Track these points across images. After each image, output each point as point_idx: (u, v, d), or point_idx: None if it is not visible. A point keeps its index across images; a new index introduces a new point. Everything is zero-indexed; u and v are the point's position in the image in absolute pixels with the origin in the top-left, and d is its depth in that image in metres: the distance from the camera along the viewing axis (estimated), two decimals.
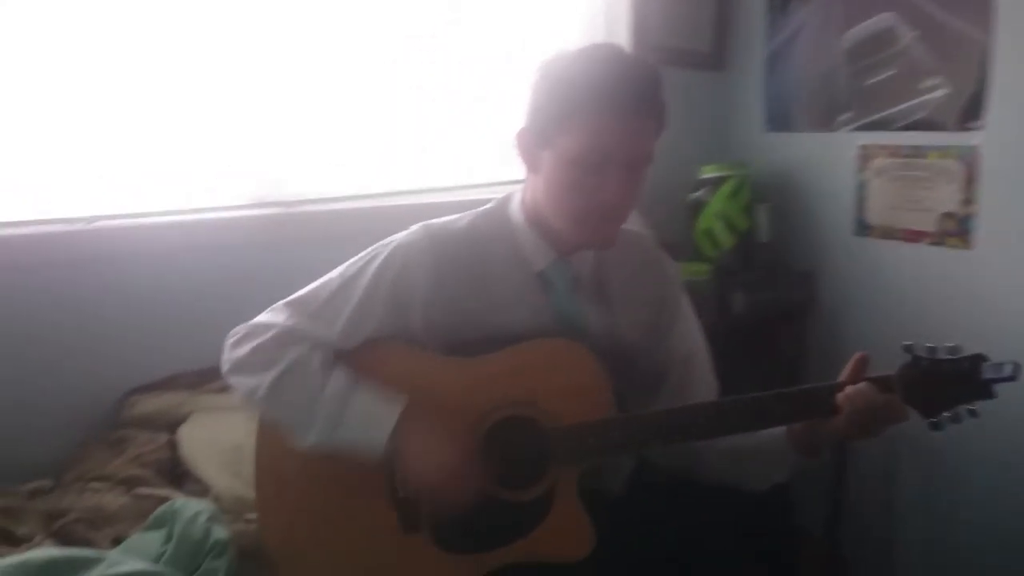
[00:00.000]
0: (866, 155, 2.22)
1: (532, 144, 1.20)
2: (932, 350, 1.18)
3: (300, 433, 1.17)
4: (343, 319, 1.21)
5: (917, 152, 2.11)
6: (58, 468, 1.51)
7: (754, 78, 2.50)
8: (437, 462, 1.14)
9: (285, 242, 1.78)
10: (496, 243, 1.26)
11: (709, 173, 2.32)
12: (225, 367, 1.23)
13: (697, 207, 2.32)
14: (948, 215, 2.06)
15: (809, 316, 2.40)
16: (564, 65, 1.15)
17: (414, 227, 1.27)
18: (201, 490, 1.44)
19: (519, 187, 1.30)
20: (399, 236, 1.27)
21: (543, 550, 1.19)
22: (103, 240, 1.64)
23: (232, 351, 1.22)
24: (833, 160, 2.31)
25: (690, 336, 1.37)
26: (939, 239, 2.09)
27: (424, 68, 1.99)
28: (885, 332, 2.20)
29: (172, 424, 1.59)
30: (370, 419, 1.15)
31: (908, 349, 1.19)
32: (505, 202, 1.31)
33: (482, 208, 1.31)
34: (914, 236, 2.14)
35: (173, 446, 1.54)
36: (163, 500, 1.35)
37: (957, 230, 2.05)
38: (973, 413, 1.17)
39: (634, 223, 2.05)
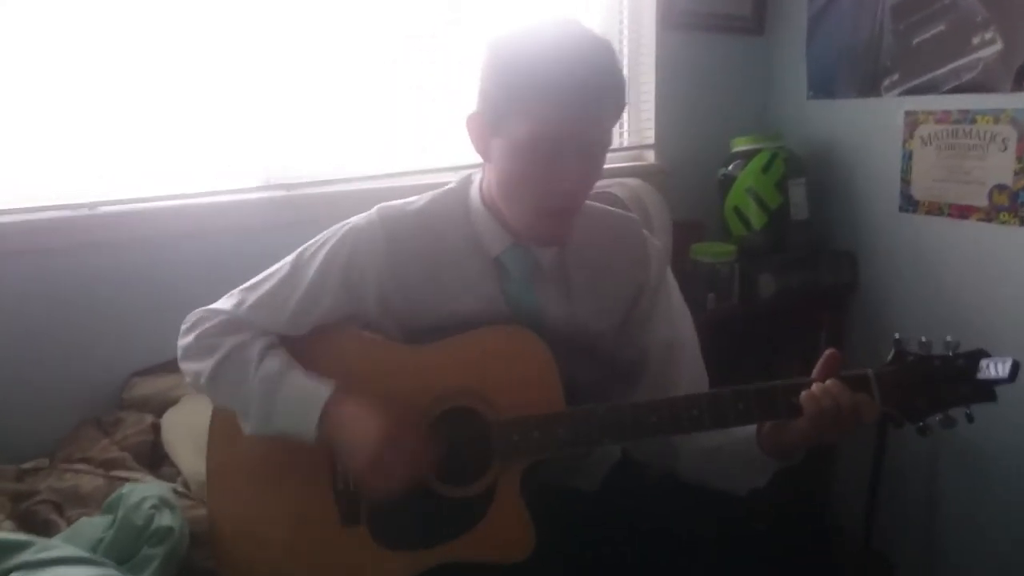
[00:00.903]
0: (912, 122, 2.04)
1: (482, 130, 1.12)
2: (926, 345, 1.06)
3: (241, 420, 1.16)
4: (291, 305, 1.19)
5: (966, 117, 1.91)
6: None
7: (795, 42, 2.34)
8: (367, 444, 1.09)
9: (290, 224, 1.76)
10: (452, 226, 1.20)
11: (740, 146, 2.18)
12: (178, 353, 1.23)
13: (727, 183, 2.18)
14: (1000, 188, 1.87)
15: (850, 300, 2.24)
16: (511, 45, 1.07)
17: (371, 210, 1.23)
18: (175, 474, 1.46)
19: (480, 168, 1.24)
20: (353, 219, 1.23)
21: (482, 550, 1.14)
22: (107, 225, 1.67)
23: (183, 337, 1.22)
24: (877, 129, 2.13)
25: (674, 323, 1.27)
26: (990, 215, 1.90)
27: (426, 54, 1.95)
28: (932, 316, 2.04)
29: (163, 407, 1.61)
30: (298, 405, 1.12)
31: (897, 343, 1.07)
32: (465, 183, 1.24)
33: (441, 189, 1.25)
34: (963, 212, 1.96)
35: (157, 429, 1.56)
36: (134, 483, 1.37)
37: (1009, 205, 1.86)
38: (969, 417, 1.04)
39: (650, 202, 1.98)
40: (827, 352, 1.08)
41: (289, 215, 1.80)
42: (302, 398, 1.12)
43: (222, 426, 1.22)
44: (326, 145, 1.90)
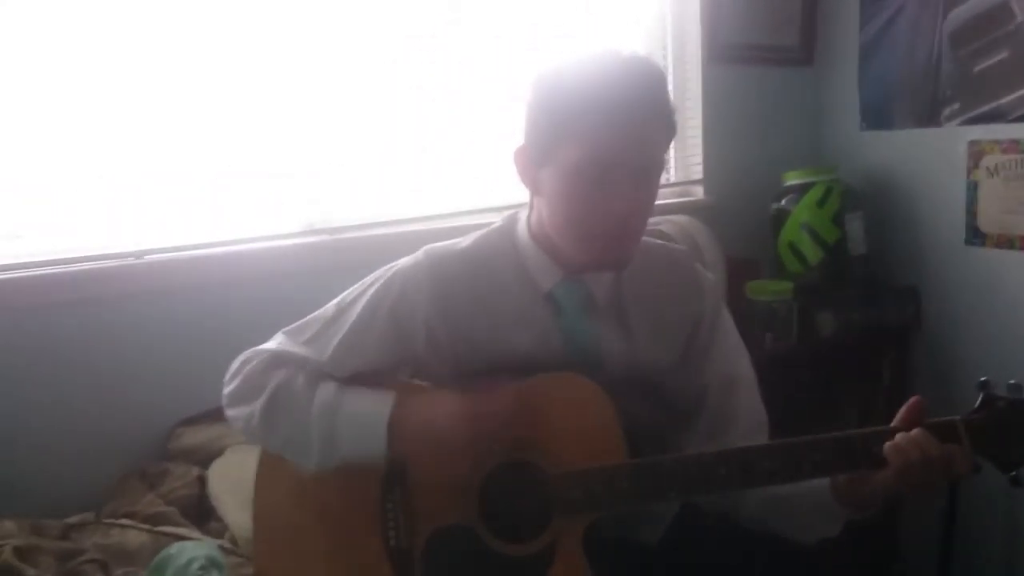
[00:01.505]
0: (977, 152, 1.96)
1: (531, 163, 1.10)
2: (1016, 388, 0.98)
3: (301, 459, 1.12)
4: (335, 343, 1.15)
5: None
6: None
7: (846, 72, 2.28)
8: (452, 416, 1.05)
9: (333, 269, 1.75)
10: (501, 263, 1.17)
11: (793, 180, 2.12)
12: (224, 403, 1.19)
13: (780, 218, 2.12)
14: None
15: (914, 338, 2.15)
16: (556, 75, 1.05)
17: (417, 252, 1.20)
18: (222, 529, 1.42)
19: (526, 206, 1.20)
20: (400, 261, 1.20)
21: None
22: (153, 274, 1.66)
23: (228, 385, 1.18)
24: (938, 159, 2.05)
25: (731, 359, 1.22)
26: None
27: (466, 95, 1.94)
28: (1002, 355, 1.94)
29: (209, 458, 1.58)
30: (363, 422, 1.08)
31: (983, 386, 1.00)
32: (512, 220, 1.22)
33: (487, 228, 1.22)
34: None
35: (203, 481, 1.53)
36: (181, 540, 1.33)
37: None
38: None
39: (701, 239, 1.92)
40: (912, 399, 1.01)
41: (332, 260, 1.77)
42: (364, 416, 1.08)
43: (269, 478, 1.17)
44: (368, 188, 1.89)
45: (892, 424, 1.01)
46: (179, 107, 1.66)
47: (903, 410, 1.02)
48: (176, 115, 1.66)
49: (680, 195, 2.28)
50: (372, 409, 1.08)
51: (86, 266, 1.60)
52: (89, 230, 1.61)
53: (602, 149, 1.02)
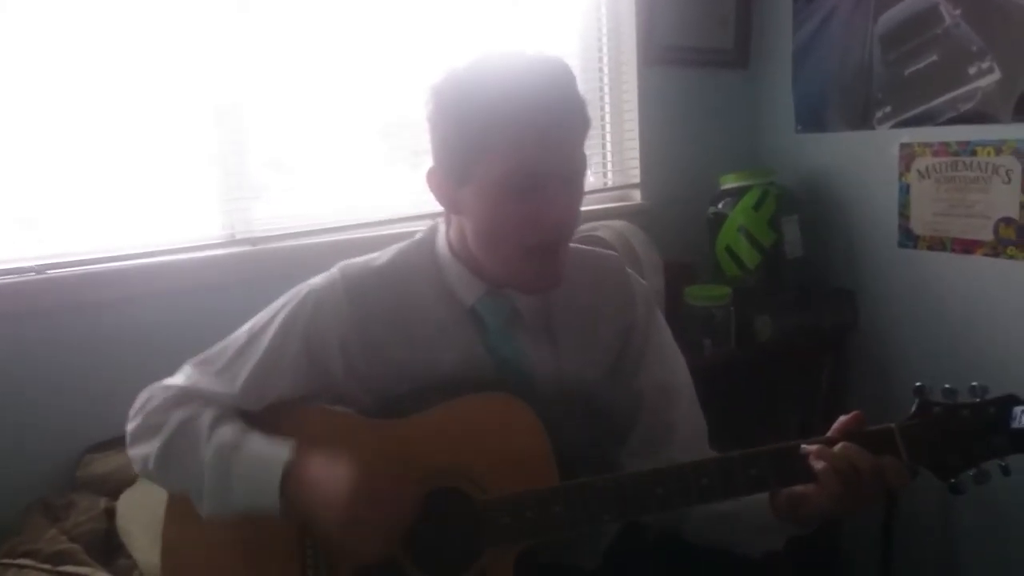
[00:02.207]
0: (908, 155, 1.96)
1: (447, 184, 1.03)
2: (951, 392, 0.96)
3: (196, 502, 1.03)
4: (245, 375, 1.07)
5: (966, 148, 1.84)
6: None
7: (781, 74, 2.27)
8: (340, 499, 0.94)
9: (256, 281, 1.67)
10: (421, 280, 1.11)
11: (729, 183, 2.10)
12: (126, 440, 1.10)
13: (717, 222, 2.09)
14: (1006, 221, 1.79)
15: (850, 341, 2.15)
16: (461, 85, 0.98)
17: (331, 269, 1.12)
18: (130, 566, 1.32)
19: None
20: (314, 280, 1.13)
21: None
22: (57, 289, 1.55)
23: (130, 422, 1.10)
24: (872, 162, 2.06)
25: (667, 367, 1.17)
26: (996, 249, 1.82)
27: (393, 95, 1.87)
28: (937, 356, 1.95)
29: (120, 486, 1.48)
30: (257, 474, 0.99)
31: (919, 392, 0.97)
32: (431, 233, 1.15)
33: (406, 242, 1.15)
34: (967, 246, 1.88)
35: (111, 514, 1.42)
36: None
37: (1016, 238, 1.78)
38: (1005, 470, 0.94)
39: (638, 243, 1.89)
40: (853, 413, 0.98)
41: (255, 271, 1.69)
42: (260, 465, 0.99)
43: (180, 509, 1.08)
44: (293, 196, 1.81)
45: (828, 435, 0.97)
46: (86, 104, 1.56)
47: (841, 421, 0.98)
48: (83, 113, 1.55)
49: (618, 199, 2.24)
50: (268, 458, 1.00)
51: None
52: None
53: (525, 159, 0.96)
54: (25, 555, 1.33)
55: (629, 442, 1.15)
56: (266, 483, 0.98)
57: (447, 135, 1.00)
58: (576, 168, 1.02)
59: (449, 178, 1.02)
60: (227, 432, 1.03)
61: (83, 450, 1.56)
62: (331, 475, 0.97)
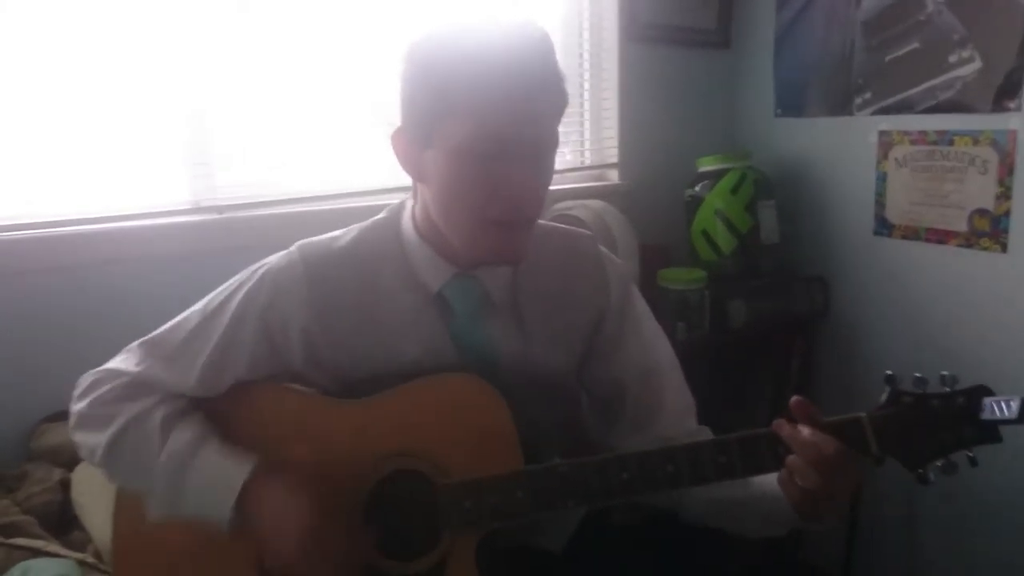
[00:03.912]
0: (887, 142, 1.95)
1: (412, 146, 0.99)
2: (921, 382, 0.95)
3: (144, 500, 1.01)
4: (200, 363, 1.03)
5: (944, 138, 1.83)
6: None
7: (763, 56, 2.25)
8: (290, 538, 0.94)
9: (221, 250, 1.62)
10: (385, 262, 1.06)
11: (707, 166, 2.08)
12: (70, 421, 1.06)
13: (694, 205, 2.07)
14: (981, 213, 1.78)
15: (822, 328, 2.14)
16: (434, 46, 0.94)
17: (290, 248, 1.08)
18: (85, 540, 1.28)
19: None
20: (271, 259, 1.08)
21: None
22: (10, 252, 1.49)
23: (75, 403, 1.05)
24: (849, 148, 2.05)
25: (647, 348, 1.14)
26: (970, 240, 1.82)
27: (363, 65, 1.81)
28: (907, 345, 1.95)
29: (75, 458, 1.42)
30: (211, 486, 0.97)
31: (889, 381, 0.95)
32: (396, 212, 1.11)
33: (370, 220, 1.11)
34: (941, 236, 1.88)
35: (66, 486, 1.38)
36: (37, 554, 1.20)
37: (991, 230, 1.78)
38: (973, 461, 0.93)
39: (615, 224, 1.86)
40: (793, 399, 0.94)
41: (220, 240, 1.65)
42: (215, 479, 0.97)
43: (132, 496, 1.04)
44: (260, 164, 1.75)
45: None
46: (50, 70, 1.50)
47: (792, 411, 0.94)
48: (46, 78, 1.50)
49: (595, 179, 2.21)
50: (225, 474, 0.97)
51: None
52: None
53: (491, 123, 0.91)
54: None
55: (618, 424, 1.13)
56: (220, 501, 0.96)
57: (415, 93, 0.96)
58: (545, 141, 0.97)
59: (414, 139, 0.98)
60: (184, 435, 1.00)
61: (38, 420, 1.51)
62: (281, 512, 0.96)
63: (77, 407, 1.04)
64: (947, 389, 0.94)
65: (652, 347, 1.15)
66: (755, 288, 2.00)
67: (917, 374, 0.95)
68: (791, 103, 2.19)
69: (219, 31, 1.65)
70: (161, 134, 1.64)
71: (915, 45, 1.86)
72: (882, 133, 1.96)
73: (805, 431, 0.92)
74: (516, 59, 0.91)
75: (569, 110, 1.02)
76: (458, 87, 0.91)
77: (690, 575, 1.19)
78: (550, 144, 0.98)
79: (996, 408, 0.91)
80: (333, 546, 0.95)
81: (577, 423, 1.17)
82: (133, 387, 1.03)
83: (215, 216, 1.70)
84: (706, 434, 1.10)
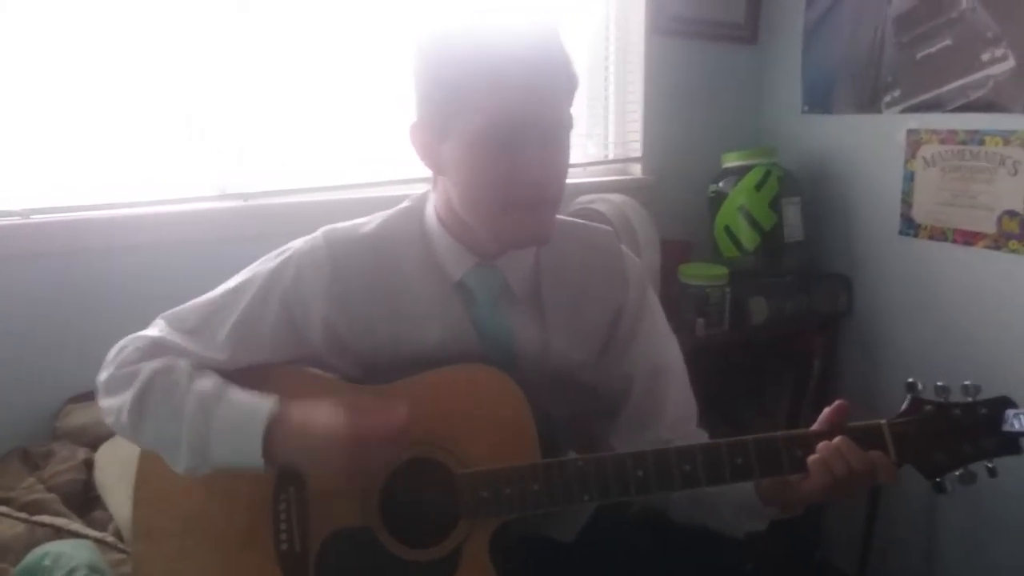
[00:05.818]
0: (915, 141, 1.92)
1: (429, 139, 1.01)
2: (943, 390, 0.95)
3: (171, 456, 1.01)
4: (222, 336, 1.05)
5: (974, 138, 1.80)
6: None
7: (790, 52, 2.22)
8: (334, 434, 0.94)
9: (247, 238, 1.64)
10: (408, 250, 1.08)
11: (731, 161, 2.06)
12: (97, 391, 1.07)
13: (717, 201, 2.06)
14: (1010, 214, 1.75)
15: (845, 328, 2.12)
16: (445, 39, 0.96)
17: (315, 233, 1.09)
18: (106, 520, 1.30)
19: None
20: (296, 243, 1.09)
21: None
22: (43, 235, 1.52)
23: (102, 372, 1.07)
24: (877, 147, 2.01)
25: (657, 349, 1.16)
26: (998, 242, 1.79)
27: (391, 55, 1.81)
28: (931, 348, 1.92)
29: (99, 439, 1.46)
30: (238, 425, 0.97)
31: (910, 388, 0.96)
32: (420, 201, 1.12)
33: (395, 208, 1.12)
34: (969, 238, 1.84)
35: (90, 466, 1.41)
36: (59, 532, 1.22)
37: (1020, 233, 1.74)
38: (992, 471, 0.94)
39: (636, 219, 1.86)
40: (836, 403, 0.97)
41: (246, 227, 1.67)
42: (244, 415, 0.97)
43: (152, 468, 1.06)
44: (286, 153, 1.77)
45: (814, 428, 0.97)
46: (82, 54, 1.52)
47: (826, 413, 0.98)
48: (78, 62, 1.52)
49: (618, 173, 2.20)
50: (250, 411, 0.97)
51: None
52: None
53: (505, 111, 0.93)
54: (1, 502, 1.32)
55: (617, 421, 1.14)
56: (250, 433, 0.96)
57: (429, 88, 0.97)
58: (559, 122, 0.98)
59: (431, 133, 1.00)
60: (207, 383, 1.00)
61: (64, 400, 1.54)
62: (320, 417, 0.95)
63: (102, 375, 1.06)
64: (969, 399, 0.94)
65: (664, 347, 1.16)
66: (777, 286, 1.99)
67: (939, 382, 0.95)
68: (818, 100, 2.16)
69: (248, 19, 1.66)
70: (188, 122, 1.65)
71: (947, 42, 1.83)
72: (911, 132, 1.93)
73: (837, 441, 0.93)
74: (524, 46, 0.93)
75: (593, 103, 1.03)
76: (470, 80, 0.93)
77: (705, 572, 1.19)
78: (564, 126, 0.99)
79: (1018, 421, 0.91)
80: (379, 428, 0.94)
81: (588, 419, 1.17)
82: (156, 347, 1.04)
83: (240, 203, 1.72)
84: (704, 438, 1.10)
